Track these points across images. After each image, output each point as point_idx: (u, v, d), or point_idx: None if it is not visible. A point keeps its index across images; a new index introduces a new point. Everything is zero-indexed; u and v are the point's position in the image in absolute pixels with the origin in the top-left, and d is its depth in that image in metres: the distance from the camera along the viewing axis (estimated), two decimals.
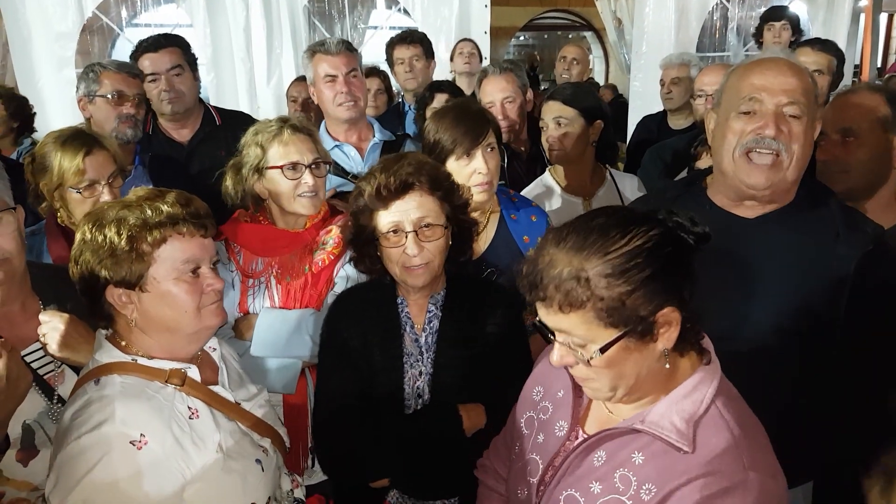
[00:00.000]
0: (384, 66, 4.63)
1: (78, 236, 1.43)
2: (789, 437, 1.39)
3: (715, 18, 5.95)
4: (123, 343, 1.44)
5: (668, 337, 1.15)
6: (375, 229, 1.71)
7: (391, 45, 4.11)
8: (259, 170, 2.07)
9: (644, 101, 4.99)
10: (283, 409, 2.05)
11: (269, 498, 1.48)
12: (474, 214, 2.01)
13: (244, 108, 4.76)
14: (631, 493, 1.16)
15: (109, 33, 5.36)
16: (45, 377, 1.64)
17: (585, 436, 1.28)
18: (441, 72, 4.45)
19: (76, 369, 1.61)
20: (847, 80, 4.14)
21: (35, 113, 3.89)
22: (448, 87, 3.36)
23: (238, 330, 2.07)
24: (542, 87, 5.04)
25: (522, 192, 2.59)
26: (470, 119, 2.10)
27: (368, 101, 3.57)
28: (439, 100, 3.24)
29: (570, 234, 1.15)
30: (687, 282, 1.16)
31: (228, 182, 2.12)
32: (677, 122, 3.98)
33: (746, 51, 5.97)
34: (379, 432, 1.72)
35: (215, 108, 3.30)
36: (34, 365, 1.62)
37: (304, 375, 2.07)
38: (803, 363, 1.68)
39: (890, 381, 1.60)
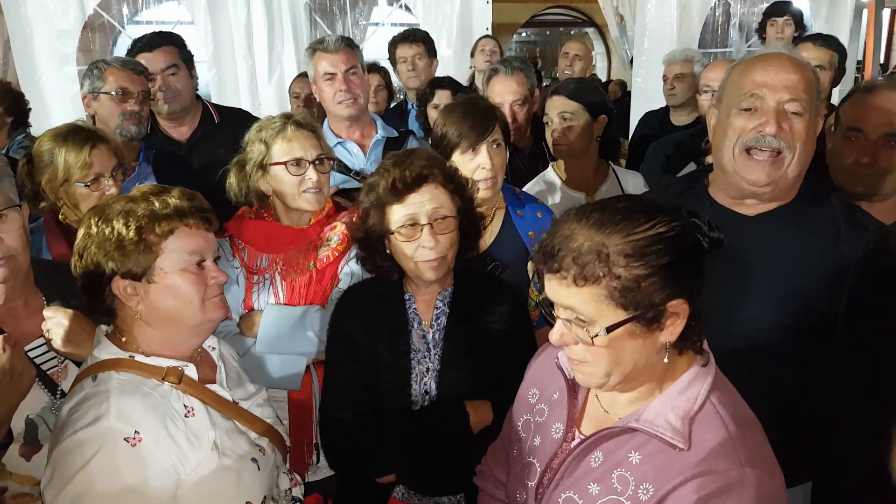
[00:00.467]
0: (385, 63, 4.63)
1: (82, 231, 1.43)
2: (789, 436, 1.39)
3: (717, 14, 5.94)
4: (123, 339, 1.45)
5: (673, 329, 1.15)
6: (387, 225, 1.71)
7: (393, 44, 4.11)
8: (263, 166, 2.07)
9: (646, 97, 4.97)
10: (288, 406, 2.06)
11: (266, 497, 1.48)
12: (479, 210, 2.02)
13: (246, 105, 4.75)
14: (629, 494, 1.16)
15: (111, 30, 5.37)
16: (48, 372, 1.65)
17: (582, 437, 1.28)
18: (443, 68, 4.44)
19: (79, 364, 1.61)
20: (849, 76, 4.13)
21: (30, 109, 3.88)
22: (449, 83, 3.36)
23: (242, 326, 2.07)
24: (545, 84, 5.02)
25: (524, 188, 2.59)
26: (477, 114, 2.11)
27: (369, 98, 3.57)
28: (440, 96, 3.24)
29: (593, 212, 1.16)
30: (697, 280, 1.17)
31: (232, 179, 2.12)
32: (680, 119, 3.97)
33: (749, 47, 5.96)
34: (386, 428, 1.72)
35: (214, 105, 3.28)
36: (37, 360, 1.63)
37: (309, 372, 2.07)
38: (803, 362, 1.68)
39: (890, 380, 1.60)
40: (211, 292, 1.46)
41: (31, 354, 1.62)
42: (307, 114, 2.23)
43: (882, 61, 6.81)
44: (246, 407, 1.56)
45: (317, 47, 2.80)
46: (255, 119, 2.23)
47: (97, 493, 1.26)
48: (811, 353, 1.67)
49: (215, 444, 1.41)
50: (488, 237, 2.16)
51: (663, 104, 4.18)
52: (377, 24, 6.22)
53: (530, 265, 2.17)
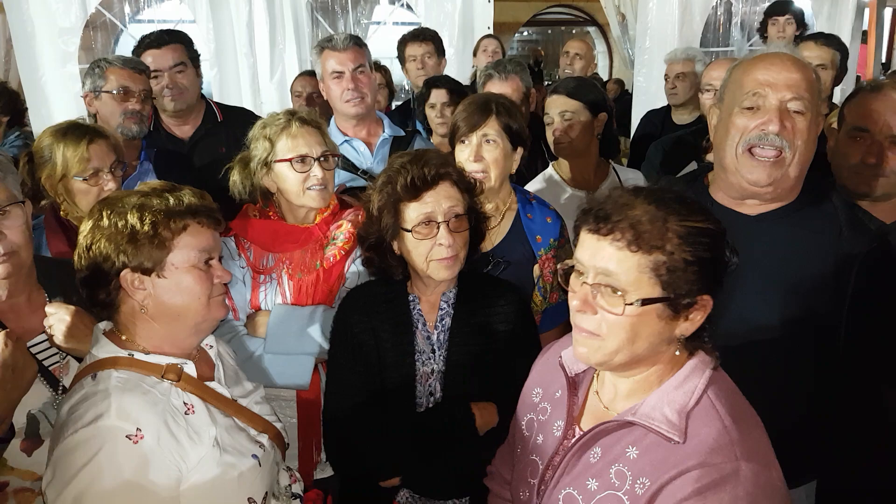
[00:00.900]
0: (385, 62, 4.64)
1: (90, 223, 1.43)
2: (792, 435, 1.39)
3: (719, 13, 5.94)
4: (123, 337, 1.46)
5: (694, 322, 1.18)
6: (402, 223, 1.71)
7: (403, 42, 4.11)
8: (267, 163, 2.06)
9: (647, 96, 4.97)
10: (297, 405, 2.05)
11: (267, 493, 1.49)
12: (489, 208, 2.02)
13: (247, 103, 4.76)
14: (626, 488, 1.17)
15: (113, 29, 5.38)
16: (50, 368, 1.66)
17: (581, 433, 1.28)
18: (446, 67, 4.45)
19: (81, 360, 1.62)
20: (851, 75, 4.13)
21: (26, 108, 3.88)
22: (445, 82, 3.35)
23: (249, 327, 2.07)
24: (547, 83, 5.02)
25: (525, 188, 2.59)
26: (474, 106, 2.14)
27: (376, 97, 3.57)
28: (436, 95, 3.23)
29: (649, 193, 1.19)
30: (720, 285, 1.20)
31: (236, 176, 2.11)
32: (681, 118, 3.97)
33: (750, 46, 5.96)
34: (390, 429, 1.71)
35: (217, 104, 3.29)
36: (40, 356, 1.64)
37: (318, 371, 2.06)
38: (805, 361, 1.67)
39: (892, 379, 1.60)
40: (216, 291, 1.47)
41: (34, 350, 1.62)
42: (312, 110, 2.22)
43: (884, 60, 6.80)
44: (244, 404, 1.56)
45: (325, 45, 2.80)
46: (258, 118, 2.22)
47: (99, 491, 1.26)
48: (813, 353, 1.67)
49: (216, 441, 1.41)
50: (497, 236, 2.17)
51: (665, 103, 4.19)
52: (379, 22, 6.23)
53: (536, 268, 2.18)
